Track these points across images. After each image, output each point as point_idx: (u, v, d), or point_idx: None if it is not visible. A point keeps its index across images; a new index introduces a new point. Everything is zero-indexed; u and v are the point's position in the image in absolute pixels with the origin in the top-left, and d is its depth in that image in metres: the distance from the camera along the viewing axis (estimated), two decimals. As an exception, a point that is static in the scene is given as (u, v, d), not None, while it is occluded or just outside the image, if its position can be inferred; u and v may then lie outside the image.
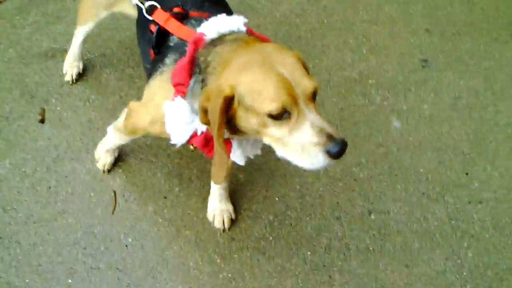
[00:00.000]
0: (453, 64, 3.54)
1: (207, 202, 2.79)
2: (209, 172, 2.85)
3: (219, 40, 2.04)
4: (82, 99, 3.11)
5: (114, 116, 3.00)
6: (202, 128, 2.07)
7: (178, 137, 2.12)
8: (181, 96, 2.03)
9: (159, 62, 2.24)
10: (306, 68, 1.92)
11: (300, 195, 2.90)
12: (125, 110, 2.51)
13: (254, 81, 1.81)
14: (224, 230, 2.75)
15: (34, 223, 2.69)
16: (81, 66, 3.18)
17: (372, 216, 2.88)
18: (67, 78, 3.16)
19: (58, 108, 3.06)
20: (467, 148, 3.17)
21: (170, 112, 2.07)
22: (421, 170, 3.06)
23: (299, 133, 1.83)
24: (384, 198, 2.94)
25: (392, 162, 3.07)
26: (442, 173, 3.06)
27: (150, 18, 2.26)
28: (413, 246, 2.81)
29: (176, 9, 2.26)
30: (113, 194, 2.81)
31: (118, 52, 3.33)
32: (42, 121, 3.01)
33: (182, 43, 2.16)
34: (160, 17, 2.24)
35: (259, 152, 2.22)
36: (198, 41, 2.04)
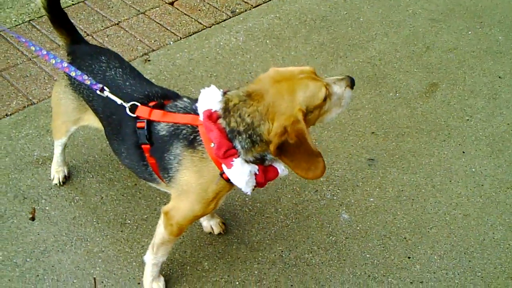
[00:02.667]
0: (396, 162, 3.97)
1: (176, 287, 3.16)
2: (174, 263, 3.25)
3: (230, 105, 2.46)
4: (68, 199, 3.54)
5: (95, 213, 3.44)
6: (255, 170, 2.51)
7: (250, 187, 2.54)
8: (235, 157, 2.45)
9: (167, 155, 2.59)
10: None
11: (258, 279, 3.25)
12: (158, 228, 2.86)
13: (304, 90, 2.42)
14: None
15: (22, 307, 3.05)
16: (66, 171, 3.60)
17: (323, 297, 3.23)
18: (55, 181, 3.59)
19: (47, 208, 3.49)
20: (409, 234, 3.55)
21: (235, 173, 2.47)
22: (367, 256, 3.42)
23: (333, 94, 2.55)
24: (334, 281, 3.28)
25: (341, 249, 3.45)
26: (387, 257, 3.42)
27: (133, 115, 2.64)
28: (360, 322, 3.15)
29: (151, 103, 2.67)
30: (93, 281, 3.18)
31: (99, 158, 3.78)
32: (32, 219, 3.42)
33: (176, 128, 2.57)
34: (143, 112, 2.64)
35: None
36: (211, 115, 2.47)
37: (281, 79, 2.43)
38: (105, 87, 2.75)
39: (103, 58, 2.94)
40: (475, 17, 5.36)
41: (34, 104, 4.13)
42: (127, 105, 2.68)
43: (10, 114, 4.04)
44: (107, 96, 2.73)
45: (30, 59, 4.47)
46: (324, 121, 2.64)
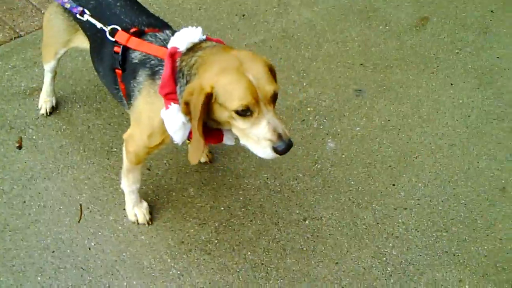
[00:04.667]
0: (384, 93, 3.98)
1: (161, 212, 3.21)
2: (160, 189, 3.29)
3: (196, 47, 2.45)
4: (54, 129, 3.56)
5: (82, 142, 3.46)
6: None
7: (180, 137, 2.50)
8: (174, 103, 2.42)
9: (132, 82, 2.60)
10: (273, 72, 2.40)
11: (243, 205, 3.30)
12: (124, 156, 2.90)
13: (228, 84, 2.25)
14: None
15: (9, 231, 3.08)
16: (53, 101, 3.61)
17: (307, 222, 3.27)
18: (42, 111, 3.60)
19: (34, 137, 3.50)
20: (394, 163, 3.58)
21: (168, 118, 2.44)
22: (352, 183, 3.46)
23: (257, 128, 2.29)
24: (318, 207, 3.33)
25: (326, 176, 3.48)
26: (371, 184, 3.46)
27: (112, 39, 2.63)
28: (343, 246, 3.18)
29: (132, 30, 2.65)
30: (79, 207, 3.22)
31: (87, 89, 3.78)
32: (19, 147, 3.45)
33: (147, 57, 2.55)
34: (122, 37, 2.62)
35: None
36: (174, 54, 2.44)
37: (238, 56, 2.33)
38: (85, 10, 2.73)
39: None
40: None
41: (21, 36, 4.11)
42: (107, 29, 2.66)
43: (-3, 46, 4.03)
44: (87, 19, 2.72)
45: (17, -8, 4.44)
46: (231, 131, 2.46)
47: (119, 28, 2.66)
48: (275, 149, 2.29)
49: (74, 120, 3.61)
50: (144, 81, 2.56)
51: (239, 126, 2.33)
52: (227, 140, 2.57)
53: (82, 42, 3.03)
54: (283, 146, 2.28)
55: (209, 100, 2.29)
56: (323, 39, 4.31)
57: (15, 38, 4.07)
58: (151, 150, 2.78)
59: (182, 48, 2.47)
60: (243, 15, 4.42)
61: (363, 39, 4.34)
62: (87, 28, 2.85)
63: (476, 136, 3.74)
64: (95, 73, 3.67)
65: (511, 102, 3.96)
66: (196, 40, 2.51)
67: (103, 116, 3.62)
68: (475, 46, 4.37)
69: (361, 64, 4.15)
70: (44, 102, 3.60)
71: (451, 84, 4.06)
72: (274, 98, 2.32)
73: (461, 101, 3.95)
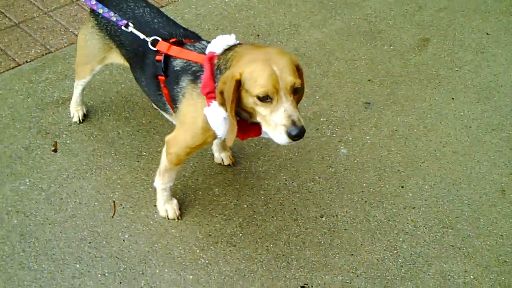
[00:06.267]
0: (391, 106, 4.27)
1: (189, 209, 3.46)
2: (187, 189, 3.55)
3: (231, 48, 2.73)
4: (87, 134, 3.83)
5: (113, 146, 3.72)
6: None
7: (223, 130, 2.73)
8: (215, 100, 2.66)
9: (176, 88, 2.86)
10: (299, 69, 2.66)
11: (265, 203, 3.55)
12: (162, 156, 3.16)
13: (253, 72, 2.51)
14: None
15: (49, 224, 3.32)
16: (84, 110, 3.87)
17: (323, 219, 3.53)
18: (75, 119, 3.86)
19: (68, 142, 3.77)
20: (402, 167, 3.85)
21: (211, 114, 2.68)
22: (364, 185, 3.72)
23: (275, 114, 2.54)
24: (333, 205, 3.59)
25: (340, 179, 3.75)
26: (382, 186, 3.72)
27: (154, 49, 2.91)
28: (357, 240, 3.43)
29: (172, 40, 2.93)
30: (113, 203, 3.47)
31: (115, 100, 4.06)
32: (55, 150, 3.71)
33: (188, 64, 2.83)
34: (163, 46, 2.90)
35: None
36: (212, 58, 2.74)
37: (267, 51, 2.61)
38: (129, 23, 3.01)
39: None
40: (465, -19, 5.67)
41: (52, 52, 4.40)
42: (149, 39, 2.94)
43: (30, 61, 4.31)
44: (131, 31, 3.00)
45: (46, 13, 4.75)
46: (253, 116, 2.69)
47: (159, 38, 2.94)
48: (288, 134, 2.50)
49: (104, 127, 3.88)
50: (187, 85, 2.83)
51: (261, 113, 2.58)
52: (264, 133, 2.79)
53: (116, 58, 3.31)
54: (296, 131, 2.49)
55: (238, 86, 2.56)
56: (332, 57, 4.63)
57: (46, 54, 4.37)
58: (192, 150, 3.04)
59: (218, 51, 2.76)
60: (258, 35, 4.75)
61: (369, 58, 4.66)
62: (127, 44, 3.11)
63: (477, 144, 4.03)
64: (123, 85, 4.01)
65: (508, 115, 4.26)
66: (231, 43, 2.80)
67: (132, 123, 3.89)
68: (473, 64, 4.69)
69: (369, 80, 4.46)
70: (76, 110, 3.87)
71: (452, 99, 4.36)
72: (294, 89, 2.56)
73: (462, 113, 4.25)
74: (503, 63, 4.73)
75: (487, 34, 5.03)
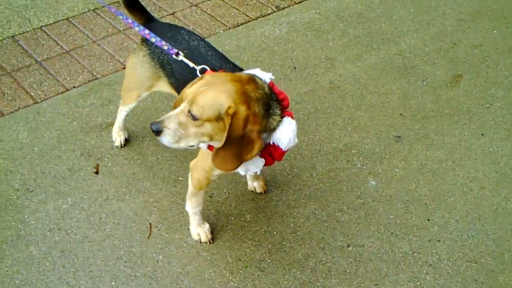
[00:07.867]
0: (421, 140, 4.39)
1: (221, 234, 3.63)
2: (220, 214, 3.73)
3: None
4: (127, 158, 4.04)
5: (152, 171, 3.92)
6: None
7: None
8: None
9: None
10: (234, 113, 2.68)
11: (293, 231, 3.70)
12: (189, 182, 3.32)
13: None
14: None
15: (88, 242, 3.53)
16: (126, 135, 4.09)
17: (350, 248, 3.65)
18: (117, 143, 4.07)
19: (109, 164, 3.99)
20: (429, 201, 3.95)
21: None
22: (391, 216, 3.84)
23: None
24: (360, 236, 3.71)
25: (368, 210, 3.87)
26: (408, 219, 3.83)
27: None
28: (382, 270, 3.54)
29: (220, 71, 3.06)
30: (149, 225, 3.66)
31: (156, 126, 4.28)
32: (96, 172, 3.92)
33: None
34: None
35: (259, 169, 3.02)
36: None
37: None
38: (180, 52, 3.18)
39: (183, 31, 3.39)
40: (501, 18, 5.75)
41: (98, 79, 4.65)
42: (198, 67, 3.09)
43: (77, 86, 4.57)
44: (181, 60, 3.18)
45: (95, 42, 5.01)
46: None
47: (207, 68, 3.09)
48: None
49: (144, 152, 4.08)
50: None
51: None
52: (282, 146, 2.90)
53: (163, 87, 3.50)
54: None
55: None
56: (366, 91, 4.77)
57: (92, 80, 4.62)
58: (212, 177, 3.22)
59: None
60: (295, 68, 4.93)
61: (402, 92, 4.79)
62: (178, 72, 3.27)
63: (505, 180, 4.11)
64: (164, 112, 4.19)
65: (538, 153, 4.34)
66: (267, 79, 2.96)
67: (170, 149, 4.06)
68: (505, 101, 4.78)
69: (401, 114, 4.58)
70: (118, 135, 4.08)
71: (482, 135, 4.45)
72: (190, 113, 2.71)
73: (491, 149, 4.34)
74: (535, 101, 4.81)
75: (520, 71, 5.12)
